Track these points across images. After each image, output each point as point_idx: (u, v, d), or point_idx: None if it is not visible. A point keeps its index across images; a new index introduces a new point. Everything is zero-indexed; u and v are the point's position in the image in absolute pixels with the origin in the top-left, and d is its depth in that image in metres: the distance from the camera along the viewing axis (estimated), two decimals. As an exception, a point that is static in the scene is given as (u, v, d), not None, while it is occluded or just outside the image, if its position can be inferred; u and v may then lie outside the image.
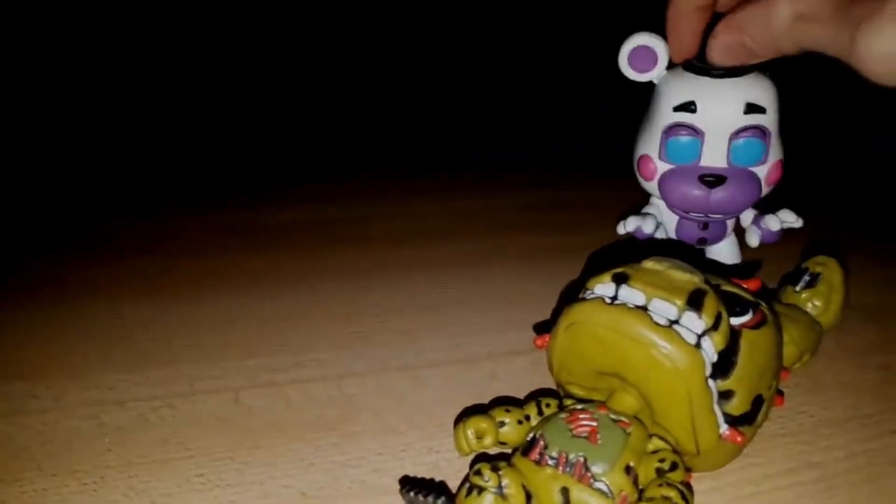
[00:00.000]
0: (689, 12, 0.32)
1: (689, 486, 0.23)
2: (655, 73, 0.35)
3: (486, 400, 0.31)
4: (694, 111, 0.33)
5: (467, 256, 0.47)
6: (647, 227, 0.36)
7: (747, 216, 0.36)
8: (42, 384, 0.33)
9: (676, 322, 0.24)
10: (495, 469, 0.24)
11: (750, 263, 0.40)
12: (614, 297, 0.25)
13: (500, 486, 0.23)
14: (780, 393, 0.28)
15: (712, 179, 0.34)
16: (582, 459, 0.23)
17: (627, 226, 0.36)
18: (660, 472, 0.23)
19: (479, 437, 0.26)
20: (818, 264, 0.32)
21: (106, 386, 0.33)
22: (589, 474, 0.23)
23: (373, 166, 0.70)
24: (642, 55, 0.34)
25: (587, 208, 0.56)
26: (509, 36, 1.08)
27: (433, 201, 0.59)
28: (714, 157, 0.34)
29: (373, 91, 0.99)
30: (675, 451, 0.24)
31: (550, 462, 0.24)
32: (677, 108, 0.34)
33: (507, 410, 0.27)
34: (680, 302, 0.24)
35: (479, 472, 0.23)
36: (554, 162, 0.73)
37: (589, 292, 0.26)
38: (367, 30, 1.05)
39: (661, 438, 0.25)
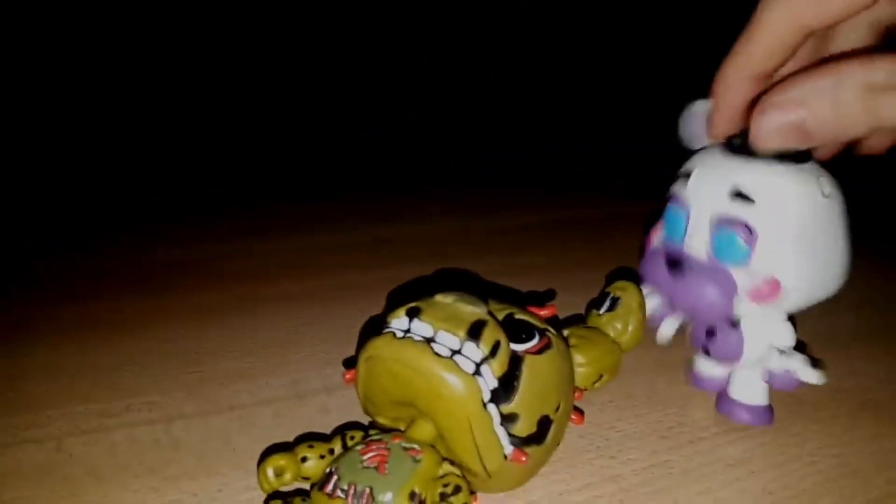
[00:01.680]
0: (740, 82, 0.27)
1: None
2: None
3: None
4: (686, 181, 0.29)
5: (319, 291, 0.48)
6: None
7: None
8: None
9: (458, 352, 0.25)
10: (287, 504, 0.24)
11: (545, 293, 0.42)
12: (407, 331, 0.27)
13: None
14: (579, 411, 0.30)
15: (672, 261, 0.29)
16: (369, 490, 0.24)
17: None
18: (443, 496, 0.24)
19: (279, 474, 0.26)
20: (618, 289, 0.34)
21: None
22: (375, 504, 0.24)
23: (233, 203, 0.69)
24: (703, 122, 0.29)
25: (414, 244, 0.57)
26: (509, 36, 1.10)
27: (285, 237, 0.59)
28: (697, 241, 0.29)
29: (373, 91, 0.99)
30: (462, 475, 0.26)
31: (341, 494, 0.24)
32: (680, 175, 0.29)
33: (311, 446, 0.27)
34: (462, 333, 0.26)
35: (268, 510, 0.24)
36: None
37: (385, 327, 0.28)
38: (367, 30, 1.06)
39: (452, 463, 0.26)
